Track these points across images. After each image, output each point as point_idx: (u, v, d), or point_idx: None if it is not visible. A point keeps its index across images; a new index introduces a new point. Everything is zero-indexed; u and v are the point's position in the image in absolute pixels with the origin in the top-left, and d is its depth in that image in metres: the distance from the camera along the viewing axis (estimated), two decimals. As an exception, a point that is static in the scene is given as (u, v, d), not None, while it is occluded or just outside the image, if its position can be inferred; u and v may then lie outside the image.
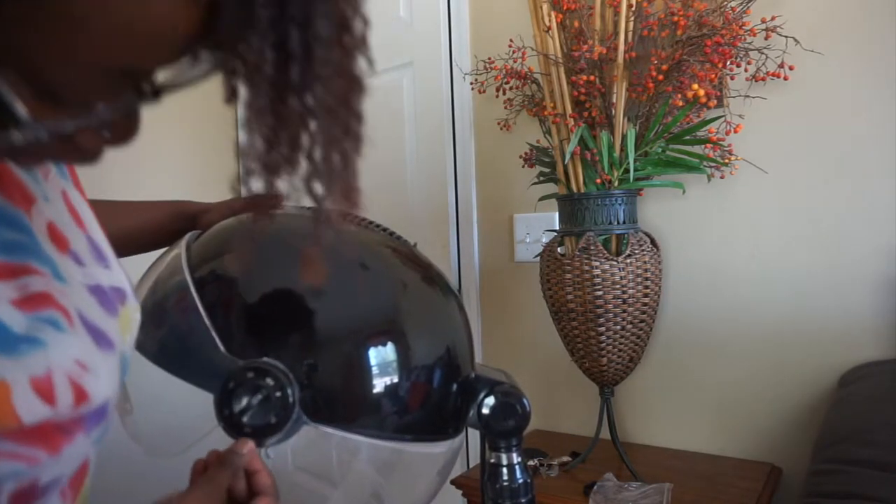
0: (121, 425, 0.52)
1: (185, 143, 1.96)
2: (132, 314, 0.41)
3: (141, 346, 0.51)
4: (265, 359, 0.50)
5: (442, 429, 0.58)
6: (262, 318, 0.53)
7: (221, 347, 0.50)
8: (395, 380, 0.53)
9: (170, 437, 0.45)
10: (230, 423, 0.48)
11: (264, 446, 0.50)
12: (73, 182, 0.42)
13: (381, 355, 0.54)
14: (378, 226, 0.63)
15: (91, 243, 0.39)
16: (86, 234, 0.39)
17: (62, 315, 0.31)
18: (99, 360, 0.33)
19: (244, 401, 0.48)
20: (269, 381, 0.49)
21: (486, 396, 0.58)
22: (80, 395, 0.30)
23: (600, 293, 1.11)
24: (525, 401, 0.58)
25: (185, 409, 0.50)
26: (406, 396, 0.54)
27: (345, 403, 0.53)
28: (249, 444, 0.48)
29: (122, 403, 0.53)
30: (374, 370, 0.53)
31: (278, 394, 0.49)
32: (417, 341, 0.56)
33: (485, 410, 0.57)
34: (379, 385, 0.53)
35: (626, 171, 1.12)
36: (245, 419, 0.48)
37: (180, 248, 0.59)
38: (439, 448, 0.58)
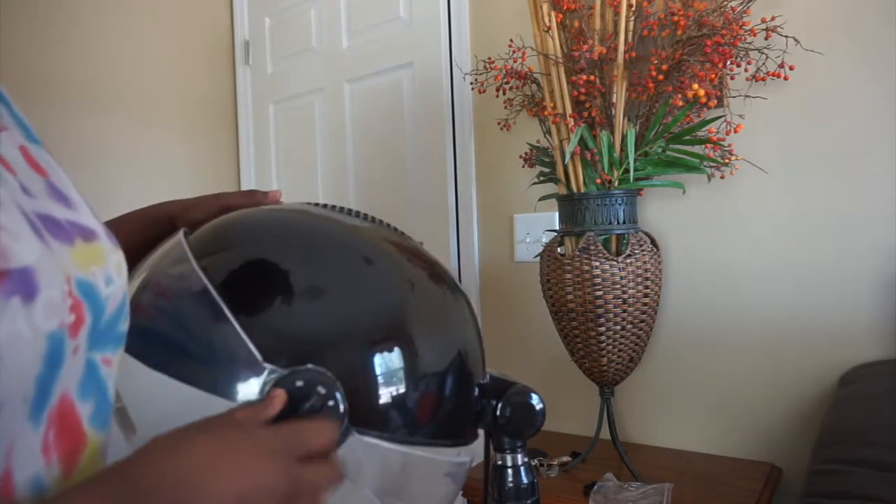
0: (129, 449, 0.48)
1: (185, 143, 1.96)
2: (106, 254, 0.38)
3: (146, 356, 0.48)
4: (310, 366, 0.46)
5: (464, 433, 0.57)
6: (289, 320, 0.49)
7: (258, 356, 0.46)
8: (423, 381, 0.52)
9: None
10: None
11: None
12: (45, 151, 0.40)
13: (412, 355, 0.51)
14: (382, 222, 0.61)
15: (50, 187, 0.37)
16: (45, 179, 0.37)
17: None
18: (23, 232, 0.30)
19: (295, 413, 0.45)
20: (321, 390, 0.46)
21: (500, 398, 0.57)
22: None
23: (600, 293, 1.11)
24: (540, 400, 0.57)
25: None
26: (435, 399, 0.53)
27: (376, 409, 0.49)
28: (282, 394, 0.45)
29: (123, 423, 0.49)
30: (404, 372, 0.51)
31: (331, 403, 0.46)
32: (437, 342, 0.55)
33: (501, 413, 0.57)
34: (412, 388, 0.51)
35: (626, 171, 1.12)
36: None
37: (179, 244, 0.54)
38: (462, 453, 0.57)
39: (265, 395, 0.45)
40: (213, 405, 0.45)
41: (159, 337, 0.49)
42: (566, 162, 1.15)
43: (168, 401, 0.47)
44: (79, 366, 0.35)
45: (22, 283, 0.29)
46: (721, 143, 1.16)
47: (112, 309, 0.37)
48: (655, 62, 1.11)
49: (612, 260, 1.11)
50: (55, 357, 0.32)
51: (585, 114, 1.16)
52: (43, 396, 0.32)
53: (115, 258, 0.39)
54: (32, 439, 0.32)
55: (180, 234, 0.56)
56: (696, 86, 1.07)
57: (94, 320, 0.35)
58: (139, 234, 0.64)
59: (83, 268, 0.35)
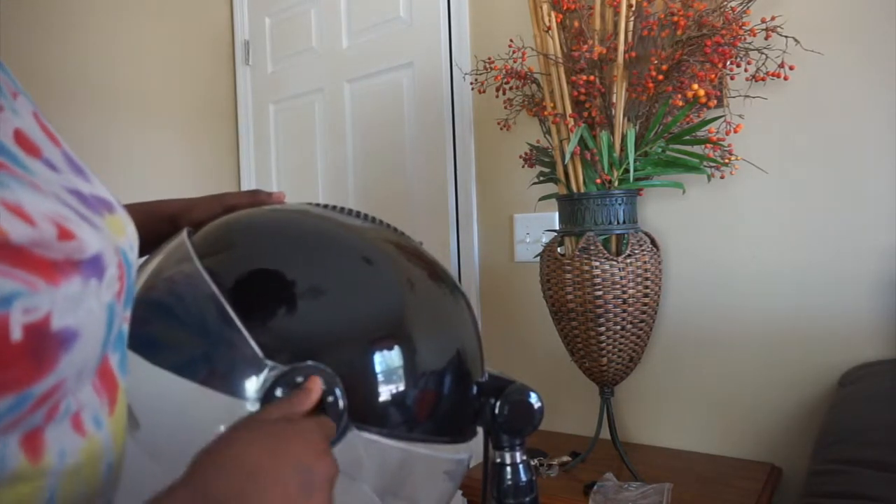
0: (133, 443, 0.48)
1: (185, 143, 1.96)
2: (125, 225, 0.41)
3: (149, 353, 0.48)
4: (310, 362, 0.47)
5: (462, 430, 0.58)
6: (290, 318, 0.50)
7: (260, 352, 0.47)
8: (422, 379, 0.52)
9: (193, 452, 0.40)
10: None
11: None
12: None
13: (411, 353, 0.52)
14: (382, 222, 0.62)
15: (67, 157, 0.40)
16: (61, 150, 0.39)
17: (28, 184, 0.32)
18: (80, 221, 0.33)
19: None
20: (321, 386, 0.46)
21: (499, 397, 0.57)
22: (64, 232, 0.31)
23: (600, 293, 1.11)
24: (538, 399, 0.58)
25: (209, 420, 0.46)
26: (433, 396, 0.53)
27: (375, 406, 0.50)
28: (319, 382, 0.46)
29: (128, 420, 0.50)
30: (403, 370, 0.51)
31: (330, 399, 0.46)
32: (436, 340, 0.55)
33: (499, 411, 0.57)
34: (411, 385, 0.51)
35: (626, 171, 1.12)
36: None
37: (183, 243, 0.55)
38: (460, 451, 0.57)
39: (302, 387, 0.46)
40: (215, 401, 0.46)
41: (163, 334, 0.50)
42: (566, 162, 1.15)
43: (172, 397, 0.48)
44: (119, 325, 0.39)
45: (95, 268, 0.33)
46: (721, 143, 1.16)
47: (134, 274, 0.41)
48: (655, 62, 1.11)
49: (612, 260, 1.11)
50: (111, 322, 0.36)
51: (585, 114, 1.16)
52: (102, 354, 0.37)
53: (131, 228, 0.43)
54: (88, 385, 0.37)
55: (184, 234, 0.57)
56: (695, 86, 1.07)
57: (127, 284, 0.39)
58: (140, 227, 0.66)
59: (118, 237, 0.38)
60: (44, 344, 0.30)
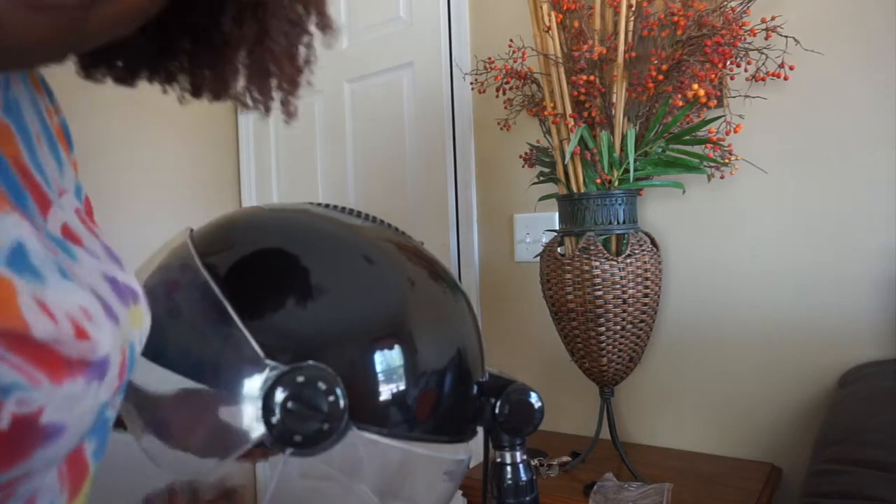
0: (136, 446, 0.48)
1: (185, 143, 1.96)
2: (144, 316, 0.41)
3: (149, 352, 0.48)
4: (311, 362, 0.47)
5: (463, 430, 0.58)
6: (291, 318, 0.50)
7: (260, 353, 0.47)
8: (423, 378, 0.52)
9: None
10: (278, 433, 0.45)
11: (313, 455, 0.48)
12: (86, 210, 0.43)
13: (411, 352, 0.52)
14: (383, 221, 0.62)
15: (105, 248, 0.40)
16: (100, 241, 0.40)
17: (68, 273, 0.32)
18: (102, 318, 0.33)
19: (295, 408, 0.46)
20: (322, 386, 0.47)
21: (499, 396, 0.57)
22: (80, 332, 0.31)
23: (600, 293, 1.11)
24: (538, 398, 0.58)
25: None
26: (434, 396, 0.53)
27: (375, 406, 0.50)
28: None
29: (130, 419, 0.50)
30: (404, 369, 0.51)
31: (331, 398, 0.47)
32: (437, 340, 0.55)
33: (499, 410, 0.57)
34: (412, 385, 0.51)
35: (626, 171, 1.12)
36: (296, 428, 0.46)
37: (185, 244, 0.55)
38: (461, 451, 0.58)
39: None
40: (216, 400, 0.46)
41: (163, 334, 0.50)
42: (566, 162, 1.15)
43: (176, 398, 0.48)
44: (104, 415, 0.39)
45: (99, 370, 0.33)
46: (721, 143, 1.16)
47: (135, 367, 0.41)
48: (655, 62, 1.11)
49: (612, 260, 1.11)
50: (101, 416, 0.36)
51: (585, 114, 1.16)
52: (79, 444, 0.36)
53: (147, 319, 0.42)
54: (53, 470, 0.36)
55: (185, 234, 0.57)
56: (696, 86, 1.07)
57: (125, 381, 0.39)
58: None
59: (134, 329, 0.39)
60: (25, 436, 0.29)
